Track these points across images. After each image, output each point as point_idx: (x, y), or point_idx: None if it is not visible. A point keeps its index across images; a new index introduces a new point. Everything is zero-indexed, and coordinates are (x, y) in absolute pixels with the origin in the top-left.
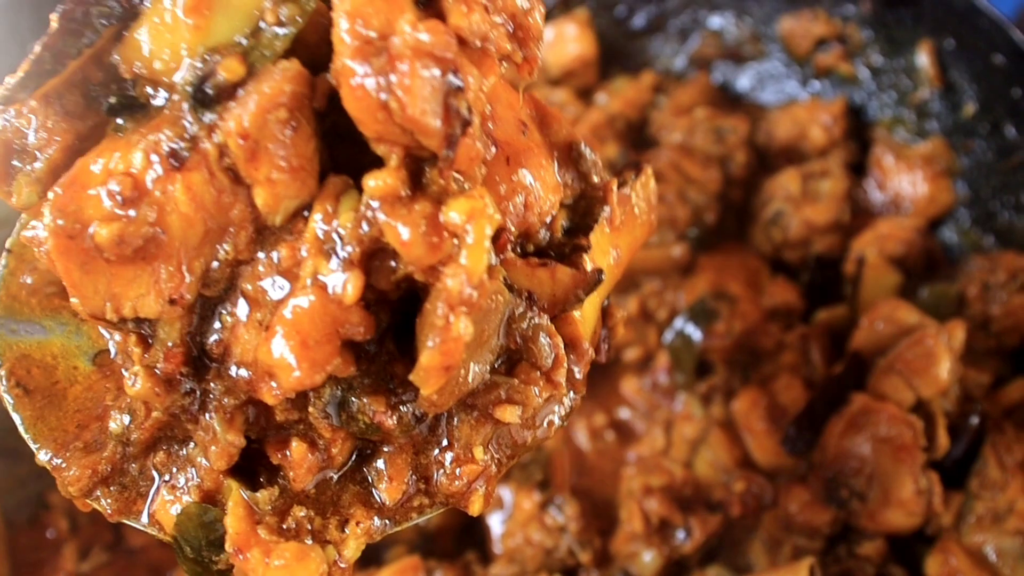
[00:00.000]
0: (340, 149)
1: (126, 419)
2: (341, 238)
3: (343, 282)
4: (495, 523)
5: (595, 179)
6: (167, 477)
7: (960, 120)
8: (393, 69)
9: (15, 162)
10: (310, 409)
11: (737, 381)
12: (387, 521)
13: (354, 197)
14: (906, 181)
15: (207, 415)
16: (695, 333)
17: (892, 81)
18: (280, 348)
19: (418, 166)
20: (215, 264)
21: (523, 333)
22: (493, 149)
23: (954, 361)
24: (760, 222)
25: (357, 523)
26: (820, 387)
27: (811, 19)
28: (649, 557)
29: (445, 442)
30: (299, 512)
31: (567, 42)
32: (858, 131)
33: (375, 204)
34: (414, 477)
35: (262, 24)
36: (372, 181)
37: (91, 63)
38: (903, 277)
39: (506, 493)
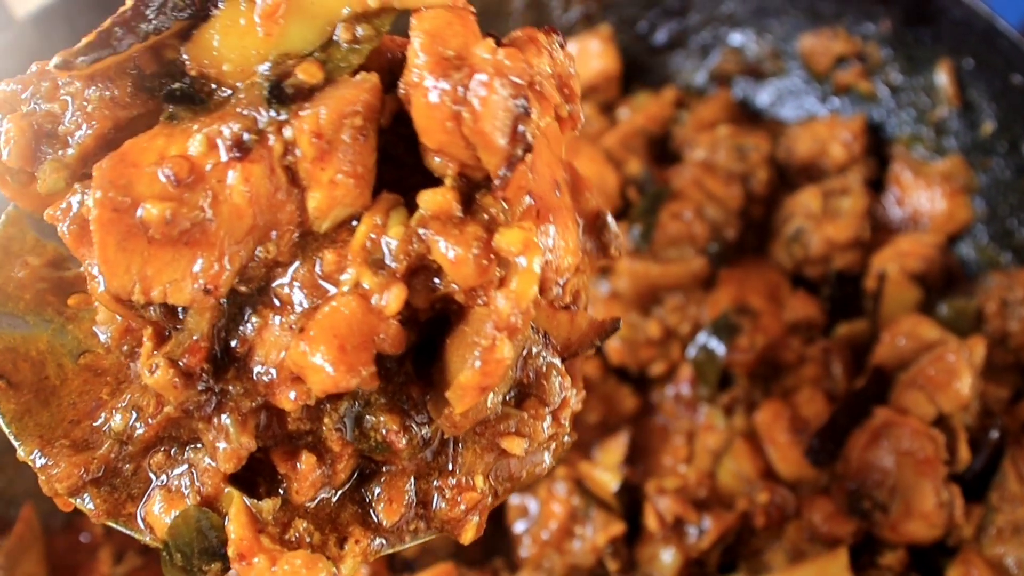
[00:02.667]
0: (385, 170)
1: (133, 414)
2: (389, 251)
3: (386, 294)
4: (521, 530)
5: (613, 251)
6: (164, 479)
7: (978, 138)
8: (471, 82)
9: (44, 147)
10: (325, 420)
11: (759, 393)
12: (384, 541)
13: (403, 213)
14: (924, 198)
15: (222, 416)
16: (719, 347)
17: (911, 99)
18: (316, 349)
19: (468, 191)
20: (253, 262)
21: (537, 369)
22: (529, 199)
23: (975, 377)
24: (781, 239)
25: (356, 541)
26: (843, 400)
27: (831, 37)
28: (669, 557)
29: (449, 467)
30: (301, 525)
31: (590, 57)
32: (876, 148)
33: (427, 221)
34: (414, 501)
35: (335, 38)
36: (428, 196)
37: (149, 52)
38: (923, 293)
39: (531, 502)
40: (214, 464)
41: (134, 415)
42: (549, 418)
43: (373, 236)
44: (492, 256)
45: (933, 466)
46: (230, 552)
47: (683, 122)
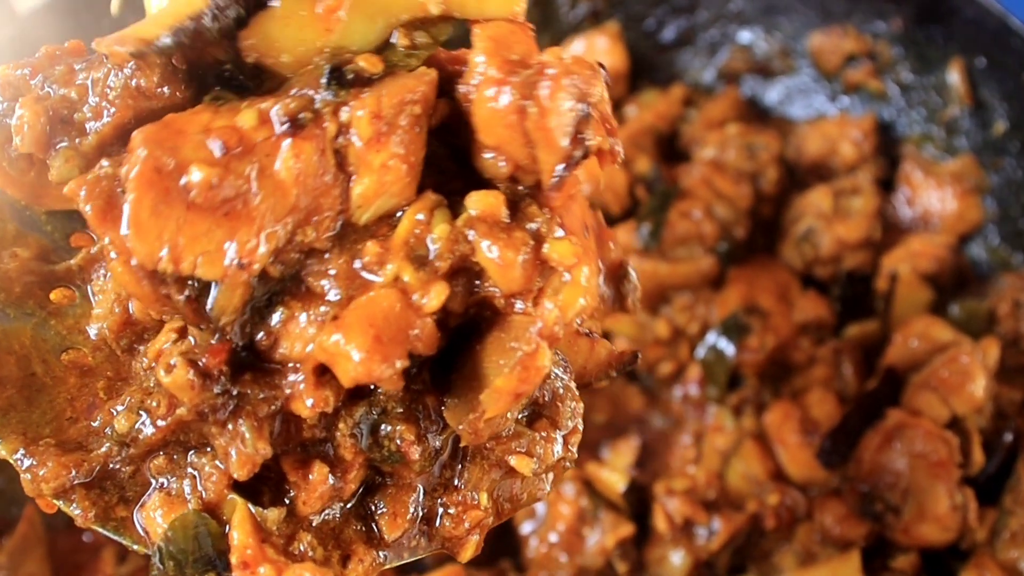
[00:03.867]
0: (427, 174)
1: (140, 416)
2: (433, 249)
3: (428, 291)
4: (529, 531)
5: (630, 304)
6: (163, 483)
7: (990, 138)
8: (541, 78)
9: (58, 134)
10: (340, 426)
11: (768, 394)
12: (384, 555)
13: (447, 213)
14: (935, 198)
15: (238, 421)
16: (728, 348)
17: (922, 98)
18: (351, 338)
19: (514, 199)
20: (289, 245)
21: (554, 391)
22: (560, 231)
23: (989, 379)
24: (791, 238)
25: (359, 560)
26: (855, 402)
27: (841, 35)
28: (678, 559)
29: (455, 483)
30: (305, 538)
31: (598, 55)
32: (887, 147)
33: (474, 222)
34: (419, 516)
35: (393, 41)
36: (478, 197)
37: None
38: (934, 294)
39: (539, 504)
40: (221, 467)
41: (142, 416)
42: (560, 441)
43: (417, 232)
44: (538, 264)
45: (946, 469)
46: (233, 560)
47: (691, 120)
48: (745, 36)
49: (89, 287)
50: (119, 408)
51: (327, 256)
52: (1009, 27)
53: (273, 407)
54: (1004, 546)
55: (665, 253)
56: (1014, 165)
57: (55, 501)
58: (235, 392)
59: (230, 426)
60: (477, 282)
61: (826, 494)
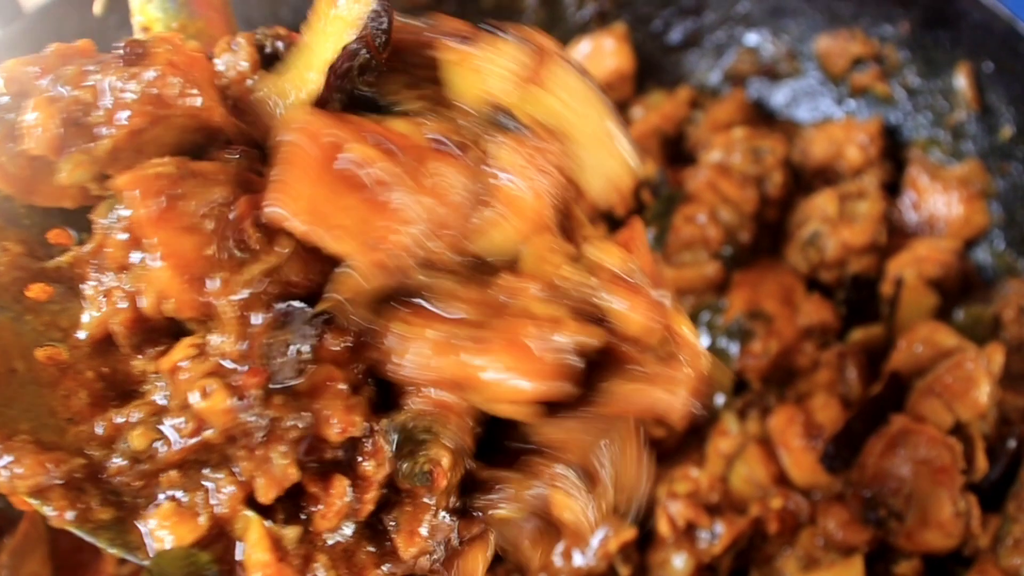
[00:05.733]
0: None
1: (171, 434)
2: (566, 291)
3: (560, 328)
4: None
5: None
6: (172, 494)
7: (997, 142)
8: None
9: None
10: (381, 423)
11: (773, 398)
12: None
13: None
14: (941, 202)
15: (269, 445)
16: (732, 350)
17: (928, 102)
18: (510, 364)
19: None
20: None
21: None
22: None
23: (993, 385)
24: (796, 242)
25: None
26: (859, 407)
27: (848, 38)
28: (680, 563)
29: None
30: (321, 559)
31: (604, 56)
32: (892, 151)
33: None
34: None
35: None
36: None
37: None
38: (940, 299)
39: None
40: (240, 482)
41: (163, 434)
42: None
43: (556, 276)
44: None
45: (950, 475)
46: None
47: (697, 123)
48: (752, 38)
49: (83, 286)
50: (129, 419)
51: (453, 275)
52: (1017, 32)
53: (304, 431)
54: (1007, 553)
55: (670, 258)
56: (1021, 170)
57: (29, 499)
58: (267, 418)
59: (259, 451)
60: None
61: (829, 499)
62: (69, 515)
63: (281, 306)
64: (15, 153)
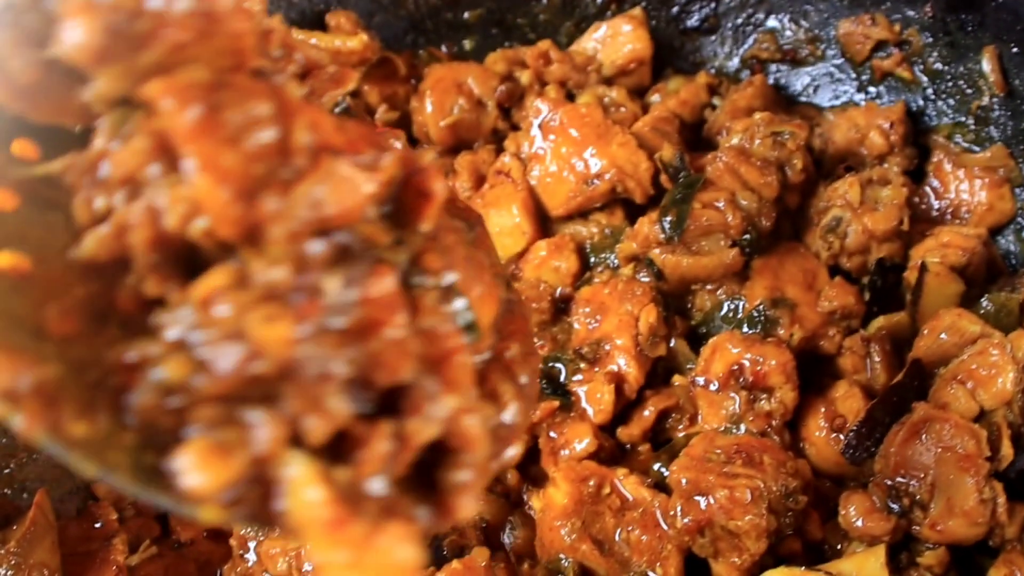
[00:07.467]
0: None
1: (216, 363)
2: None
3: None
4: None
5: None
6: (202, 429)
7: (1022, 128)
8: None
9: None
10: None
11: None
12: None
13: None
14: (965, 189)
15: (323, 380)
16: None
17: (952, 87)
18: None
19: None
20: None
21: None
22: None
23: (1018, 372)
24: (818, 228)
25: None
26: (881, 395)
27: (870, 23)
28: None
29: None
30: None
31: (621, 40)
32: (915, 137)
33: None
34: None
35: None
36: None
37: None
38: (964, 286)
39: None
40: (285, 419)
41: (216, 361)
42: None
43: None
44: None
45: (974, 463)
46: (312, 517)
47: (717, 108)
48: (772, 23)
49: (76, 197)
50: (147, 354)
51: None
52: None
53: (355, 372)
54: None
55: (688, 245)
56: None
57: None
58: (325, 354)
59: (311, 389)
60: None
61: (851, 488)
62: (37, 427)
63: (339, 236)
64: (32, 60)
